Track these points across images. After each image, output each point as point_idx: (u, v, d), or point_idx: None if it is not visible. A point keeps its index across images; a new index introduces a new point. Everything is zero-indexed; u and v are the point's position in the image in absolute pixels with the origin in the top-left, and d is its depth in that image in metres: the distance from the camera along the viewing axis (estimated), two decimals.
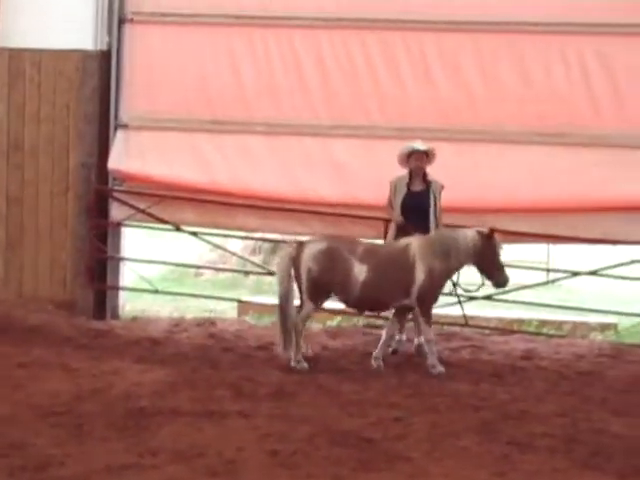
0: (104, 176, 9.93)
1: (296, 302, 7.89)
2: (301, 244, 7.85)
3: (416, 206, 8.29)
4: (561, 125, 9.54)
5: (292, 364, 7.70)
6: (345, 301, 7.98)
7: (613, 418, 6.38)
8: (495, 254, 7.83)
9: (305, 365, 7.70)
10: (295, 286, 7.79)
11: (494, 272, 7.84)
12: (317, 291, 7.72)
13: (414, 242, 7.84)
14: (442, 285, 7.97)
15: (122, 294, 10.36)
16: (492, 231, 7.83)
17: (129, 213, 9.88)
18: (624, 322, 10.46)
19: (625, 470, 5.21)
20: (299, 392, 6.82)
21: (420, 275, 7.72)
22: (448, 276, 7.93)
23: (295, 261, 7.72)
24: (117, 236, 10.14)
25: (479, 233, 7.82)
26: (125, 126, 9.95)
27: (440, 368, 7.74)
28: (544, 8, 9.49)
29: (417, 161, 8.35)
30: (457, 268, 7.90)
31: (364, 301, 7.88)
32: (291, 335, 7.71)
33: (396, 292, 7.78)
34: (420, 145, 8.40)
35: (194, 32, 9.85)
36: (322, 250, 7.69)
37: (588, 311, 10.74)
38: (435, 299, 7.98)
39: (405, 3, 9.64)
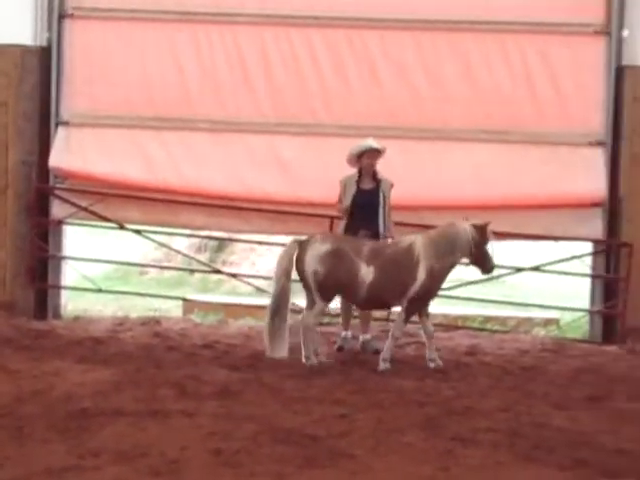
0: (45, 174, 9.79)
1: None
2: (302, 244, 7.72)
3: (366, 204, 8.29)
4: (505, 123, 9.67)
5: (303, 360, 7.67)
6: (350, 301, 8.04)
7: (555, 412, 6.45)
8: (486, 245, 7.90)
9: (315, 361, 7.66)
10: (301, 285, 7.73)
11: (485, 261, 7.92)
12: (326, 291, 7.68)
13: (418, 241, 7.81)
14: (442, 283, 7.99)
15: (64, 293, 10.22)
16: (487, 224, 7.88)
17: (71, 211, 9.75)
18: (566, 317, 10.60)
19: (565, 462, 5.27)
20: (243, 391, 6.77)
21: (422, 274, 7.71)
22: (448, 273, 7.95)
23: (298, 261, 7.63)
24: (59, 235, 10.00)
25: (474, 226, 7.86)
26: (66, 123, 9.81)
27: (387, 365, 7.77)
28: (485, 7, 9.60)
29: (370, 159, 8.33)
30: (456, 264, 7.94)
31: (369, 301, 7.89)
32: (282, 336, 7.61)
33: (398, 291, 7.77)
34: (374, 143, 8.37)
35: (136, 28, 9.76)
36: (328, 251, 7.60)
37: (531, 306, 10.89)
38: (432, 297, 8.00)
39: (348, 1, 9.66)
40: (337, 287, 7.72)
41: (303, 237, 7.99)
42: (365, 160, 8.34)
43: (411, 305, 7.81)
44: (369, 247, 7.77)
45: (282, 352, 7.66)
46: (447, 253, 7.76)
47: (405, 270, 7.70)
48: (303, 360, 7.73)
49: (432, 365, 7.87)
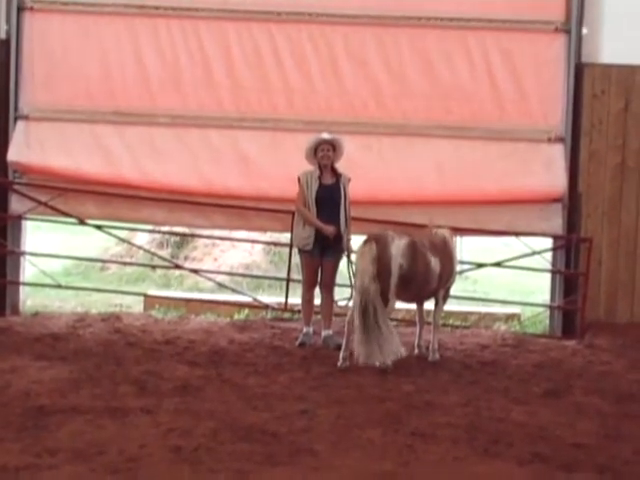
0: (3, 168, 9.65)
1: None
2: (378, 242, 7.52)
3: (330, 199, 8.35)
4: (466, 119, 9.73)
5: (339, 362, 7.61)
6: (414, 295, 8.01)
7: (514, 406, 6.51)
8: None
9: (389, 364, 7.44)
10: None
11: None
12: (404, 286, 7.62)
13: (446, 233, 8.30)
14: None
15: (23, 289, 10.08)
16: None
17: (30, 206, 9.62)
18: (527, 312, 10.69)
19: (523, 456, 5.33)
20: (204, 387, 6.75)
21: (455, 265, 8.37)
22: None
23: (382, 257, 7.43)
24: (17, 230, 9.85)
25: None
26: (25, 117, 9.68)
27: (437, 356, 8.08)
28: (447, 3, 9.65)
29: (324, 151, 8.38)
30: None
31: (432, 292, 8.09)
32: (391, 339, 7.43)
33: (445, 281, 8.14)
34: (326, 135, 8.46)
35: (96, 21, 9.64)
36: (408, 245, 7.58)
37: (492, 302, 10.97)
38: None
39: None
40: (414, 280, 7.68)
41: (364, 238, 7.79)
42: (320, 153, 8.38)
43: (447, 293, 8.33)
44: (427, 240, 7.99)
45: (393, 354, 7.43)
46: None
47: (449, 261, 8.13)
48: (339, 362, 7.62)
49: (433, 357, 8.07)
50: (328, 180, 8.46)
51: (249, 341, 8.63)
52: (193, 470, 4.96)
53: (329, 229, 8.27)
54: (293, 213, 8.83)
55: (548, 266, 9.95)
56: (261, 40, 9.70)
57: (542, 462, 5.26)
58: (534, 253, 9.88)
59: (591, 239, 9.52)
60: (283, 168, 9.31)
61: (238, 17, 9.67)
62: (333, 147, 8.43)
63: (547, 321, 10.08)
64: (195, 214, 9.64)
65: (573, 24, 9.61)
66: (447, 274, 8.12)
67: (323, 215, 8.33)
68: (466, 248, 15.34)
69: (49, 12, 9.68)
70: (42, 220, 10.17)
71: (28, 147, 9.62)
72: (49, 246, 11.94)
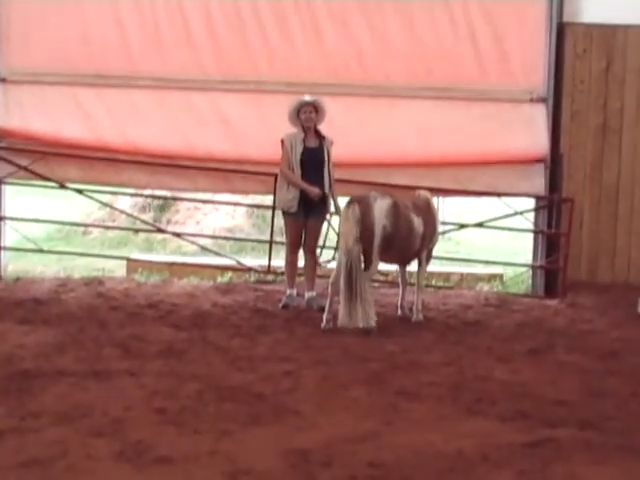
0: None
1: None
2: (361, 203, 7.47)
3: (314, 161, 8.32)
4: (448, 80, 9.68)
5: (361, 325, 7.40)
6: (399, 256, 8.03)
7: (497, 365, 6.55)
8: None
9: (373, 324, 7.42)
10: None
11: None
12: (386, 247, 7.58)
13: (428, 195, 8.36)
14: None
15: (5, 255, 10.02)
16: None
17: (10, 170, 9.53)
18: (509, 272, 10.74)
19: (507, 414, 5.35)
20: (188, 349, 6.74)
21: (438, 225, 8.50)
22: None
23: (365, 219, 7.41)
24: None
25: None
26: (3, 80, 9.56)
27: (421, 316, 8.13)
28: None
29: (306, 113, 8.34)
30: None
31: (413, 254, 8.09)
32: (368, 303, 7.41)
33: (428, 242, 8.16)
34: (309, 97, 8.42)
35: None
36: (391, 205, 7.53)
37: (475, 262, 11.01)
38: None
39: None
40: (397, 240, 7.66)
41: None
42: (303, 115, 8.33)
43: (429, 254, 8.34)
44: (410, 201, 8.00)
45: (370, 321, 7.41)
46: None
47: (432, 222, 8.16)
48: (323, 324, 7.60)
49: (417, 317, 8.11)
50: (312, 143, 8.42)
51: (232, 304, 8.64)
52: (178, 431, 4.95)
53: (314, 190, 8.26)
54: (276, 175, 8.80)
55: (530, 226, 9.99)
56: (242, 1, 9.58)
57: (525, 419, 5.28)
58: (516, 213, 9.91)
59: (573, 199, 9.55)
60: (265, 130, 9.26)
61: None
62: (316, 109, 8.39)
63: (529, 281, 10.14)
64: (177, 177, 9.59)
65: None
66: (430, 235, 8.13)
67: (307, 177, 8.30)
68: (449, 209, 15.42)
69: None
70: (23, 184, 10.09)
71: (7, 110, 9.52)
72: (31, 211, 11.86)
